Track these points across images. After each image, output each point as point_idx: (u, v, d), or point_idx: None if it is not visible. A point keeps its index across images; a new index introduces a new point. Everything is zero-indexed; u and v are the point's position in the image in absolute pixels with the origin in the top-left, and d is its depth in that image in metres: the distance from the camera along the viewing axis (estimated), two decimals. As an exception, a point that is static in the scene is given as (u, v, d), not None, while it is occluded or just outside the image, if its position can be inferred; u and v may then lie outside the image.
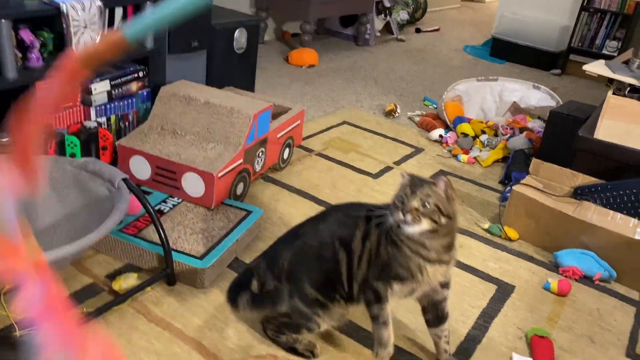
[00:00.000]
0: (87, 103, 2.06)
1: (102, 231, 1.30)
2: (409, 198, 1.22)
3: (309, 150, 2.66)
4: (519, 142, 2.78)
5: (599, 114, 2.23)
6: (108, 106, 2.12)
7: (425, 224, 1.23)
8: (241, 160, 2.00)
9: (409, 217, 1.21)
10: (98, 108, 2.09)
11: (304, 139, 2.72)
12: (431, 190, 1.23)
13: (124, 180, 1.53)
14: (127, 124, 2.21)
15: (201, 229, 1.79)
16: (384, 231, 1.30)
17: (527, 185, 2.13)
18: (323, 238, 1.37)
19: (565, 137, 2.38)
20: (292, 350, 1.43)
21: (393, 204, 1.26)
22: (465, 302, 1.74)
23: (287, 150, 2.40)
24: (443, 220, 1.23)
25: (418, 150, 2.84)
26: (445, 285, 1.36)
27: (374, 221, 1.33)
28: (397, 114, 3.28)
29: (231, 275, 1.66)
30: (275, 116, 2.31)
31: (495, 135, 2.96)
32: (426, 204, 1.22)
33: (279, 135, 2.26)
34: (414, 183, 1.24)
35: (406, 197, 1.23)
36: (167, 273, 1.59)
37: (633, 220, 1.91)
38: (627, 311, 1.79)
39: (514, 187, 2.12)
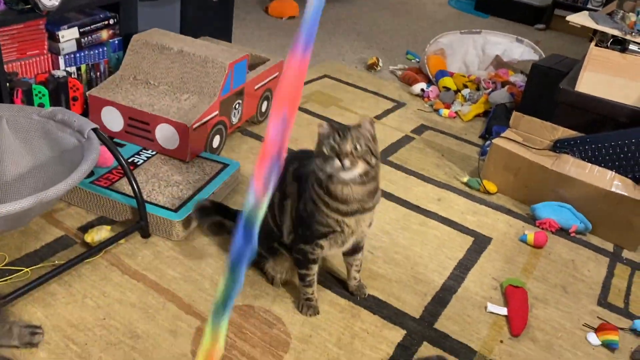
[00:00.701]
0: (55, 51, 1.97)
1: (71, 181, 1.26)
2: (341, 143, 1.19)
3: (289, 104, 2.60)
4: (501, 96, 2.76)
5: (581, 66, 2.21)
6: (77, 55, 2.03)
7: (360, 167, 1.21)
8: (217, 112, 1.94)
9: (347, 162, 1.19)
10: (67, 57, 2.00)
11: (283, 92, 2.66)
12: (359, 132, 1.22)
13: (94, 130, 1.48)
14: (98, 74, 2.13)
15: (176, 181, 1.76)
16: (305, 187, 1.31)
17: (507, 138, 2.12)
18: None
19: (547, 91, 2.36)
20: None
21: (322, 155, 1.22)
22: (442, 254, 1.74)
23: (265, 103, 2.34)
24: (374, 161, 1.23)
25: (400, 105, 2.80)
26: (369, 225, 1.38)
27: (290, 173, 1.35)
28: (379, 68, 3.22)
29: (206, 229, 1.64)
30: (252, 67, 2.25)
31: (477, 89, 2.93)
32: (358, 146, 1.20)
33: (256, 87, 2.20)
34: (339, 129, 1.22)
35: (337, 143, 1.19)
36: (141, 225, 1.56)
37: (610, 173, 1.91)
38: (600, 262, 1.82)
39: (493, 140, 2.11)
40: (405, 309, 1.49)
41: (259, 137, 2.24)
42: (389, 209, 1.93)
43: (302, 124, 2.44)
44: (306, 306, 1.43)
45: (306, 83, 2.87)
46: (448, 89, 2.90)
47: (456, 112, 2.76)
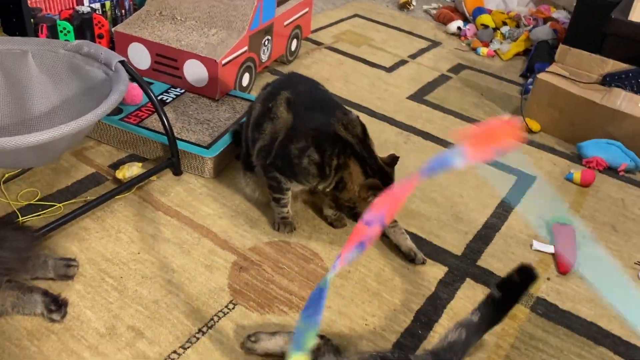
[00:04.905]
0: (78, -13, 1.90)
1: (101, 111, 1.21)
2: None
3: (318, 44, 2.50)
4: (543, 32, 2.60)
5: (634, -5, 2.05)
6: (101, -9, 1.97)
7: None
8: (246, 48, 1.86)
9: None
10: (91, -7, 1.93)
11: (312, 32, 2.56)
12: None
13: (121, 62, 1.42)
14: (123, 11, 2.05)
15: (206, 119, 1.70)
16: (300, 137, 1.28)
17: (553, 73, 1.99)
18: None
19: (594, 23, 2.20)
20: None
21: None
22: (483, 193, 1.66)
23: (294, 41, 2.24)
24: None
25: (435, 44, 2.67)
26: None
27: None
28: (412, 7, 3.07)
29: (238, 166, 1.59)
30: (280, 2, 2.14)
31: (517, 26, 2.77)
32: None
33: (285, 23, 2.11)
34: None
35: None
36: (172, 162, 1.52)
37: (665, 108, 1.79)
38: (652, 201, 1.72)
39: (538, 75, 1.99)
40: (446, 247, 1.43)
41: (289, 77, 2.16)
42: (426, 148, 1.84)
43: (333, 63, 2.34)
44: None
45: (336, 22, 2.75)
46: (486, 27, 2.74)
47: (495, 51, 2.62)
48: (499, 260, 1.41)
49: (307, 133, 1.27)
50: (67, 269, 1.18)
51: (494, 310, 1.08)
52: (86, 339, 1.07)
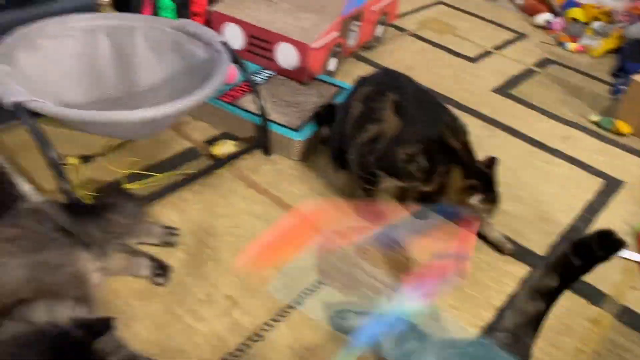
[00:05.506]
0: (181, -34, 1.97)
1: (208, 91, 1.28)
2: None
3: (402, 30, 2.50)
4: (638, 30, 2.48)
5: None
6: (200, -29, 2.03)
7: None
8: (337, 33, 1.89)
9: None
10: (190, -28, 2.00)
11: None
12: None
13: (224, 43, 1.48)
14: (218, -9, 2.12)
15: (295, 102, 1.75)
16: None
17: (650, 74, 1.92)
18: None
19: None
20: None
21: None
22: (569, 194, 1.64)
23: (381, 27, 2.25)
24: None
25: (521, 36, 2.61)
26: None
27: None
28: (498, -4, 3.00)
29: (325, 151, 1.63)
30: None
31: (610, 22, 2.66)
32: None
33: (374, 9, 2.11)
34: None
35: None
36: (264, 142, 1.58)
37: None
38: None
39: (634, 77, 1.92)
40: (529, 246, 1.43)
41: (373, 63, 2.17)
42: (511, 144, 1.83)
43: (416, 50, 2.34)
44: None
45: (420, 9, 2.73)
46: (577, 21, 2.65)
47: (584, 47, 2.53)
48: (583, 264, 1.40)
49: (416, 139, 1.30)
50: (170, 236, 1.26)
51: (570, 274, 0.92)
52: (187, 304, 1.15)
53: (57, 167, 1.16)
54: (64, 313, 0.90)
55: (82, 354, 0.80)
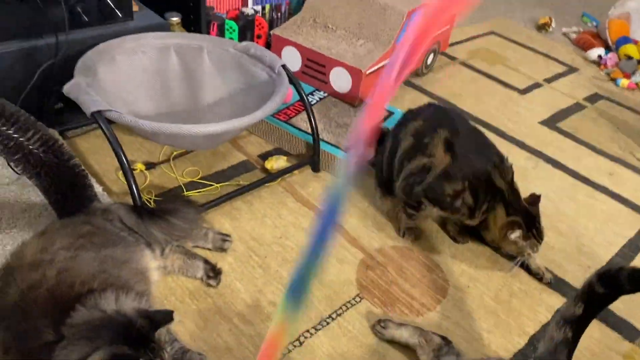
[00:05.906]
0: (244, -10, 2.11)
1: (268, 110, 1.38)
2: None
3: (452, 58, 2.56)
4: (694, 70, 2.46)
5: None
6: (263, -5, 2.16)
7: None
8: (389, 60, 1.97)
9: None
10: (254, -4, 2.13)
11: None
12: None
13: (283, 66, 1.59)
14: (279, 14, 2.24)
15: (345, 123, 1.83)
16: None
17: (702, 116, 1.91)
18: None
19: None
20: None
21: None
22: (610, 230, 1.65)
23: (432, 55, 2.32)
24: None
25: (572, 70, 2.63)
26: None
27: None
28: (550, 29, 3.02)
29: (370, 173, 1.70)
30: (425, 18, 2.23)
31: (665, 60, 2.64)
32: None
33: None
34: None
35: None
36: (313, 160, 1.67)
37: None
38: None
39: (685, 117, 1.91)
40: (566, 277, 1.46)
41: (422, 90, 2.24)
42: (555, 176, 1.85)
43: (465, 79, 2.40)
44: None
45: (471, 39, 2.79)
46: (630, 58, 2.65)
47: (637, 84, 2.53)
48: (621, 300, 1.40)
49: (464, 177, 1.35)
50: (222, 242, 1.36)
51: (596, 303, 0.96)
52: (235, 306, 1.24)
53: (128, 172, 1.28)
54: (129, 304, 1.00)
55: (145, 341, 0.90)
